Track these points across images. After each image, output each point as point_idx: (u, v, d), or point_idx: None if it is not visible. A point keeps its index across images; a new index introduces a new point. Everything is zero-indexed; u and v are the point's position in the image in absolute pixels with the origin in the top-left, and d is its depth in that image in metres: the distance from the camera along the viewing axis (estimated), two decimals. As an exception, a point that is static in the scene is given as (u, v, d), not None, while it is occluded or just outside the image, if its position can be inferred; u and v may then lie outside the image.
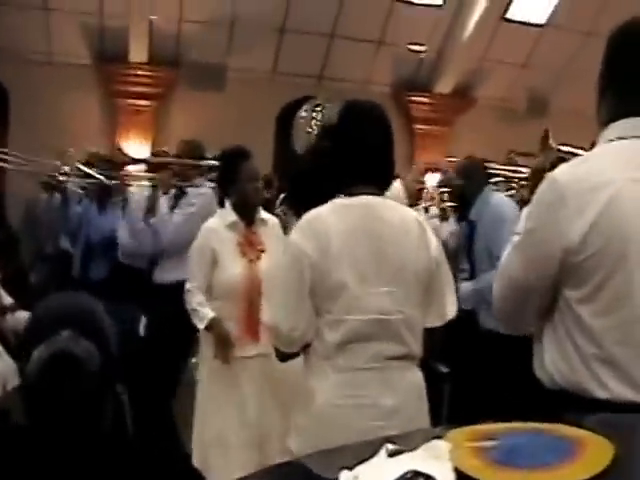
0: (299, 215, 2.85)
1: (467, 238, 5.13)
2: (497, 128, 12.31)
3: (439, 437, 1.59)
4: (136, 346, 4.89)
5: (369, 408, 2.59)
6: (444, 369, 5.49)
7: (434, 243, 2.77)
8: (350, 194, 2.71)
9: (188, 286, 4.30)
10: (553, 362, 2.03)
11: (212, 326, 4.16)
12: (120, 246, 6.18)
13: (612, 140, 2.07)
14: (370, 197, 2.71)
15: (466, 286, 4.98)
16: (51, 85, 10.65)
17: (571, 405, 1.97)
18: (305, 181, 3.43)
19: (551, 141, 5.97)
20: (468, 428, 1.61)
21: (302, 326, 2.63)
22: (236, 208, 4.29)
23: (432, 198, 7.61)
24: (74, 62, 11.12)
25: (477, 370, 4.78)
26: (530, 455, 1.48)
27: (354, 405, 2.59)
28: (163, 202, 5.81)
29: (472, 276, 5.06)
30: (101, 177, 6.39)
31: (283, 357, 2.80)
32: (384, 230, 2.67)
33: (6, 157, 7.59)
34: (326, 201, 2.73)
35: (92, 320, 1.76)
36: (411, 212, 2.91)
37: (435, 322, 2.79)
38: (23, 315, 6.01)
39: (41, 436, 1.68)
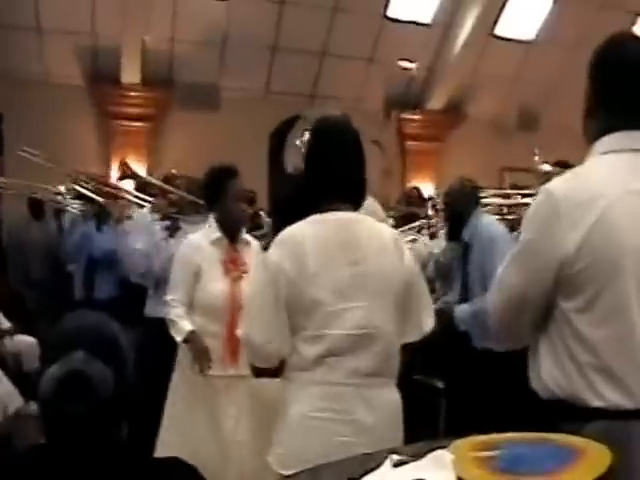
0: None
1: (461, 259, 5.15)
2: (488, 143, 12.35)
3: (442, 447, 1.62)
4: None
5: (345, 424, 2.59)
6: (440, 384, 5.50)
7: (409, 258, 2.80)
8: (324, 211, 2.73)
9: (168, 298, 4.25)
10: (549, 372, 2.04)
11: (190, 339, 4.13)
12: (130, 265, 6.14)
13: (604, 153, 2.10)
14: (344, 213, 2.73)
15: (463, 308, 4.98)
16: (44, 106, 10.63)
17: (567, 415, 1.97)
18: (289, 202, 3.45)
19: (537, 158, 6.01)
20: (470, 438, 1.64)
21: (277, 340, 2.64)
22: (221, 225, 4.28)
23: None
24: (67, 83, 11.11)
25: (473, 385, 4.79)
26: (532, 463, 1.51)
27: (330, 419, 2.59)
28: (158, 228, 5.76)
29: (465, 296, 5.08)
30: (97, 198, 6.43)
31: (257, 372, 2.84)
32: (359, 245, 2.68)
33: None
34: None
35: (108, 343, 1.77)
36: (386, 227, 2.94)
37: (413, 337, 2.81)
38: (22, 339, 6.04)
39: (54, 456, 1.70)
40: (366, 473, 1.60)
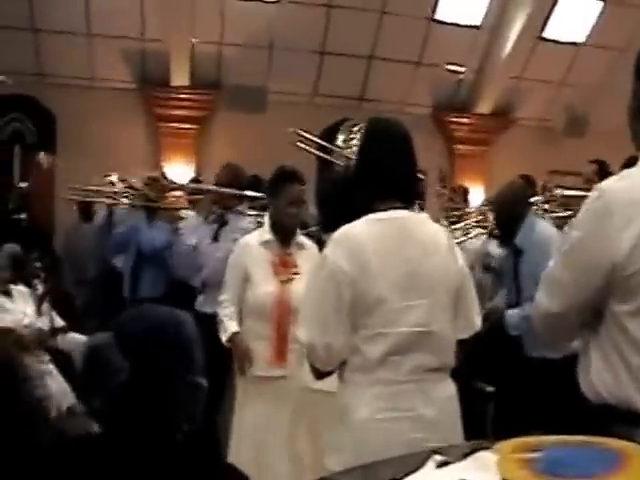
0: None
1: (513, 264, 5.08)
2: (536, 147, 12.23)
3: (485, 449, 1.62)
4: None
5: (411, 421, 2.60)
6: (488, 388, 5.46)
7: (461, 257, 2.85)
8: (377, 209, 2.75)
9: (221, 297, 4.36)
10: (599, 375, 2.02)
11: (232, 340, 4.21)
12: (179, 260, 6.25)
13: None
14: (401, 212, 2.76)
15: (514, 313, 4.91)
16: (95, 109, 10.80)
17: (617, 419, 1.95)
18: (335, 200, 3.49)
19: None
20: (514, 440, 1.64)
21: (339, 342, 2.65)
22: (273, 227, 4.34)
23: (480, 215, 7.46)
24: (117, 87, 11.27)
25: (523, 390, 4.74)
26: (576, 466, 1.49)
27: (396, 418, 2.60)
28: (205, 231, 5.84)
29: (517, 301, 5.02)
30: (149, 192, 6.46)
31: (319, 375, 2.81)
32: (418, 244, 2.71)
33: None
34: (355, 218, 2.77)
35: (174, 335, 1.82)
36: (439, 227, 2.96)
37: (465, 334, 2.83)
38: (74, 337, 6.13)
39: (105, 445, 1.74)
40: (409, 473, 1.60)
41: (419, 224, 2.80)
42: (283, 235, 4.33)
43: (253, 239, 4.38)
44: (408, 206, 2.81)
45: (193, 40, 10.95)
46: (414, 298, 2.65)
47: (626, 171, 2.13)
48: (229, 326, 4.24)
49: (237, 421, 4.28)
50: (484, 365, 5.22)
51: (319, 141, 5.87)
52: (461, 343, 2.81)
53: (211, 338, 4.51)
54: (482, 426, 5.16)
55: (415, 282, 2.66)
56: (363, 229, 2.71)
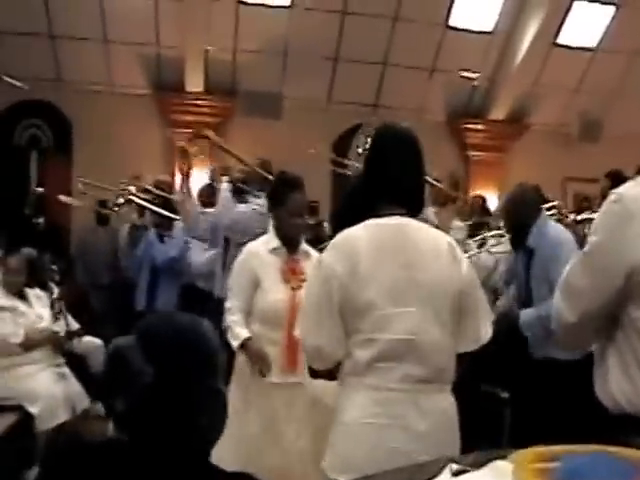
0: None
1: (525, 265, 5.10)
2: (551, 153, 12.22)
3: (502, 457, 1.62)
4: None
5: (400, 430, 2.57)
6: (504, 394, 5.45)
7: (465, 265, 2.76)
8: (380, 215, 2.73)
9: (227, 304, 4.30)
10: (617, 384, 2.00)
11: (246, 346, 4.17)
12: (192, 267, 6.41)
13: None
14: (401, 218, 2.73)
15: (528, 313, 4.92)
16: (110, 115, 10.86)
17: (635, 429, 1.95)
18: (346, 206, 3.49)
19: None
20: (531, 449, 1.63)
21: (329, 342, 2.65)
22: (277, 235, 4.32)
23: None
24: (132, 92, 11.33)
25: (538, 395, 4.74)
26: (593, 476, 1.49)
27: (383, 425, 2.58)
28: (227, 194, 6.09)
29: (528, 303, 5.03)
30: (159, 210, 6.63)
31: (313, 374, 2.85)
32: (414, 250, 2.67)
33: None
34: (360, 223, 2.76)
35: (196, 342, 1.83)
36: (442, 235, 2.90)
37: (470, 346, 2.76)
38: (89, 341, 6.19)
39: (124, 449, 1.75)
40: (425, 481, 1.61)
41: (418, 231, 2.75)
42: (290, 243, 4.32)
43: (260, 246, 4.35)
44: (413, 213, 2.78)
45: (207, 46, 10.99)
46: (406, 305, 2.61)
47: None
48: (240, 332, 4.19)
49: (237, 423, 4.21)
50: (498, 371, 5.21)
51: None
52: (461, 357, 2.75)
53: None
54: (499, 432, 5.15)
55: (408, 288, 2.62)
56: (361, 233, 2.69)
